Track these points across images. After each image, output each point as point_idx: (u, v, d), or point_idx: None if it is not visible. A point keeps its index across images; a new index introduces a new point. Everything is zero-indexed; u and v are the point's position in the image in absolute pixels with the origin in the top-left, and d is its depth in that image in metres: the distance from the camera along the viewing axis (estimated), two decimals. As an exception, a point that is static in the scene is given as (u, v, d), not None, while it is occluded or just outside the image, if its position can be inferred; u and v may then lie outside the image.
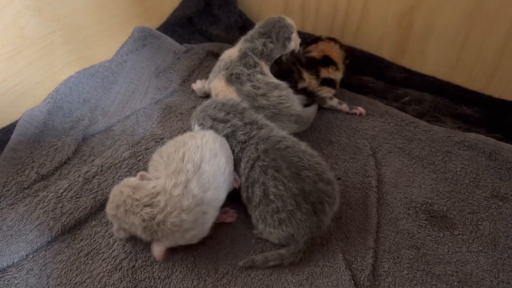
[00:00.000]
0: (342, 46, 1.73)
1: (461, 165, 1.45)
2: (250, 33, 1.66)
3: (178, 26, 2.09)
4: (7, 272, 1.14)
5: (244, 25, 2.13)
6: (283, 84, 1.48)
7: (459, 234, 1.25)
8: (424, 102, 1.73)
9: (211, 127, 1.28)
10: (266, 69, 1.56)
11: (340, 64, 1.68)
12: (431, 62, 1.74)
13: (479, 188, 1.38)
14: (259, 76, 1.47)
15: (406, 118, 1.64)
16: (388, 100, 1.77)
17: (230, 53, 1.58)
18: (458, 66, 1.69)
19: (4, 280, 1.12)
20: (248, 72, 1.48)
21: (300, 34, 1.97)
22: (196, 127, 1.32)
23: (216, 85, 1.51)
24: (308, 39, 1.81)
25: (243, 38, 1.65)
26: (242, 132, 1.24)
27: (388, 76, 1.84)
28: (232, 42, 2.04)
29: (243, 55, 1.54)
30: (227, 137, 1.26)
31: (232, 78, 1.47)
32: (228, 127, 1.26)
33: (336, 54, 1.68)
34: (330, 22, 1.91)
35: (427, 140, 1.54)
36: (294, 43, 1.65)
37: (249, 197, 1.18)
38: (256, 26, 1.67)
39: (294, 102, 1.47)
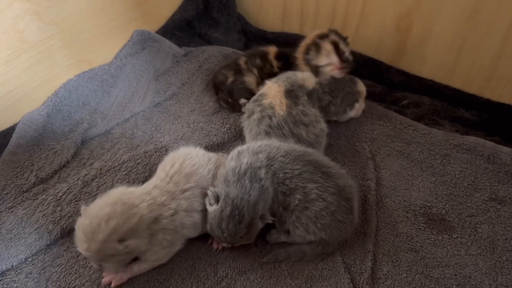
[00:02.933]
0: None
1: (459, 168, 1.45)
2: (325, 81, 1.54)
3: (177, 29, 2.09)
4: (6, 276, 1.13)
5: (243, 28, 2.14)
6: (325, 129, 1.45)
7: (457, 237, 1.26)
8: (422, 105, 1.73)
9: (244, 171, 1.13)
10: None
11: None
12: (429, 66, 1.75)
13: (477, 191, 1.38)
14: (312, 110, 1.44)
15: (404, 121, 1.64)
16: (386, 104, 1.77)
17: (304, 78, 1.50)
18: (456, 70, 1.69)
19: (3, 284, 1.12)
20: (306, 100, 1.44)
21: (299, 38, 1.99)
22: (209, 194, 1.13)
23: (272, 87, 1.46)
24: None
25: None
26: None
27: (387, 79, 1.84)
28: (231, 45, 2.05)
29: (312, 91, 1.48)
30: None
31: (292, 94, 1.43)
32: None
33: None
34: (328, 25, 1.91)
35: (426, 143, 1.55)
36: (355, 112, 1.59)
37: (285, 206, 1.15)
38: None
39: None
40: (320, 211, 1.12)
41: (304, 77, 1.50)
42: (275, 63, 1.67)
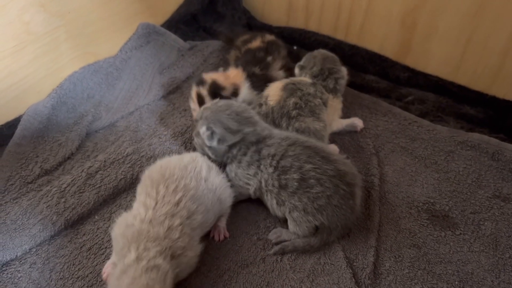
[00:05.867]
0: None
1: (463, 165, 1.45)
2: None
3: (182, 23, 2.09)
4: (10, 266, 1.15)
5: (248, 22, 2.13)
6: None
7: (460, 233, 1.25)
8: (427, 101, 1.73)
9: (219, 134, 1.23)
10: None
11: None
12: (434, 62, 1.74)
13: (481, 188, 1.38)
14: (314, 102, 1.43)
15: (409, 117, 1.63)
16: (391, 100, 1.77)
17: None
18: (461, 66, 1.68)
19: (7, 274, 1.13)
20: (310, 93, 1.43)
21: (304, 33, 1.99)
22: (203, 129, 1.24)
23: (275, 84, 1.47)
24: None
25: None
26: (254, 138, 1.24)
27: (392, 75, 1.84)
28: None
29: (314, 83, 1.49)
30: (234, 144, 1.24)
31: (288, 87, 1.43)
32: (238, 137, 1.23)
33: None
34: (334, 20, 1.91)
35: (430, 140, 1.54)
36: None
37: (282, 185, 1.17)
38: None
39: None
40: (317, 192, 1.13)
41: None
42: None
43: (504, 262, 1.18)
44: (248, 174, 1.24)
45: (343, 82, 1.57)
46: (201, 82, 1.50)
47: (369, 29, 1.83)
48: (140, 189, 1.14)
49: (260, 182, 1.22)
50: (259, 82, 1.57)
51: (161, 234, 1.00)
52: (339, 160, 1.17)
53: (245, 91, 1.55)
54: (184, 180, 1.11)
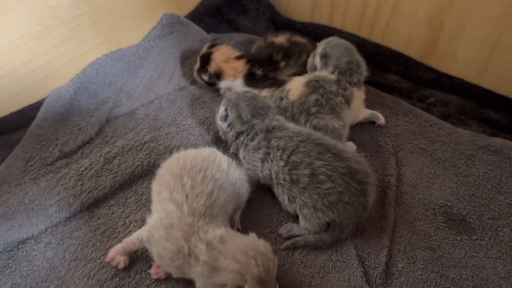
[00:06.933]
0: None
1: (484, 170, 1.42)
2: None
3: (206, 15, 2.10)
4: (26, 244, 1.17)
5: (272, 17, 2.13)
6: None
7: (477, 239, 1.23)
8: (450, 104, 1.69)
9: (231, 119, 1.31)
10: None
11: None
12: (459, 64, 1.70)
13: (501, 194, 1.35)
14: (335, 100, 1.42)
15: (430, 119, 1.61)
16: (413, 100, 1.74)
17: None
18: (487, 70, 1.64)
19: (22, 251, 1.15)
20: (332, 91, 1.42)
21: (328, 29, 1.97)
22: (222, 109, 1.34)
23: (297, 79, 1.47)
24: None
25: None
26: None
27: (415, 76, 1.81)
28: (259, 33, 2.05)
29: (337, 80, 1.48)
30: (242, 133, 1.29)
31: (312, 84, 1.42)
32: (245, 127, 1.29)
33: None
34: (359, 18, 1.88)
35: (451, 143, 1.51)
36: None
37: (293, 180, 1.17)
38: None
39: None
40: (328, 188, 1.13)
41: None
42: None
43: (522, 271, 1.15)
44: (254, 158, 1.26)
45: (364, 75, 1.53)
46: (212, 46, 1.67)
47: (394, 28, 1.80)
48: (160, 186, 1.10)
49: (270, 172, 1.22)
50: (257, 82, 1.62)
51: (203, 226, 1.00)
52: (351, 158, 1.16)
53: (238, 83, 1.65)
54: (210, 170, 1.10)
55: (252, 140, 1.27)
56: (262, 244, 0.96)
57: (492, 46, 1.59)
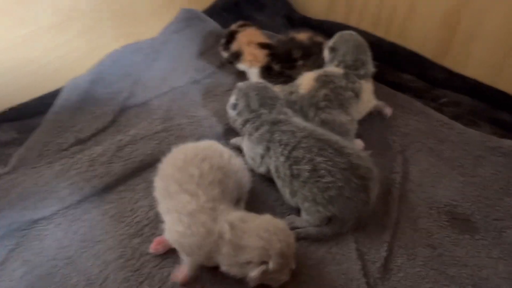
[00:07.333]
0: None
1: (491, 171, 1.41)
2: None
3: (224, 10, 2.13)
4: (38, 224, 1.23)
5: (288, 13, 2.14)
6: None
7: (480, 238, 1.23)
8: (462, 104, 1.68)
9: (240, 107, 1.34)
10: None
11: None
12: (474, 65, 1.69)
13: (508, 196, 1.34)
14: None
15: (441, 119, 1.60)
16: (425, 100, 1.73)
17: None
18: (503, 71, 1.63)
19: (35, 230, 1.21)
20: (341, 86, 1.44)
21: (344, 27, 1.98)
22: (233, 97, 1.37)
23: (308, 74, 1.49)
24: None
25: None
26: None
27: (429, 76, 1.80)
28: (274, 29, 2.07)
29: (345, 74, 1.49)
30: (248, 120, 1.32)
31: (322, 79, 1.44)
32: (252, 115, 1.32)
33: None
34: (375, 16, 1.88)
35: (460, 143, 1.51)
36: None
37: (294, 174, 1.20)
38: None
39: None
40: (327, 182, 1.14)
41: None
42: None
43: (523, 272, 1.15)
44: (255, 151, 1.29)
45: (372, 69, 1.54)
46: (243, 25, 1.73)
47: (410, 27, 1.80)
48: (165, 181, 1.12)
49: (269, 168, 1.26)
50: (272, 76, 1.63)
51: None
52: (353, 153, 1.17)
53: (253, 72, 1.67)
54: (214, 159, 1.13)
55: (257, 130, 1.29)
56: (280, 222, 1.05)
57: (509, 47, 1.57)
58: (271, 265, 0.97)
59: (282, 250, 0.98)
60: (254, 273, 0.97)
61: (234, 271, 1.02)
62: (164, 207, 1.11)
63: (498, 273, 1.14)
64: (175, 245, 1.08)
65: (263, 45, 1.67)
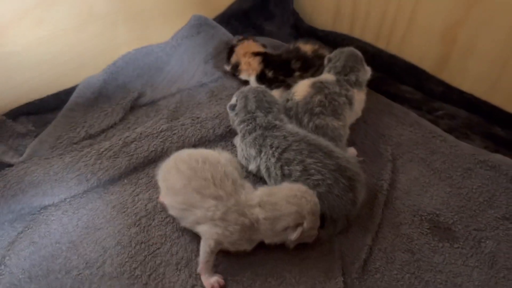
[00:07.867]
0: None
1: (478, 183, 1.46)
2: None
3: (234, 19, 2.22)
4: (46, 210, 1.34)
5: (296, 24, 2.22)
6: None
7: (458, 247, 1.28)
8: (457, 118, 1.73)
9: (238, 108, 1.43)
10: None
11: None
12: (470, 79, 1.73)
13: (492, 208, 1.38)
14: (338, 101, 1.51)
15: (434, 130, 1.65)
16: (422, 111, 1.79)
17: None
18: (498, 86, 1.66)
19: (43, 215, 1.32)
20: (335, 92, 1.51)
21: (347, 38, 2.05)
22: (234, 98, 1.47)
23: (303, 82, 1.55)
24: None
25: None
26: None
27: (427, 88, 1.85)
28: (282, 38, 2.15)
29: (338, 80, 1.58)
30: (244, 121, 1.41)
31: (317, 85, 1.51)
32: (248, 117, 1.40)
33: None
34: (377, 29, 1.95)
35: (450, 155, 1.56)
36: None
37: (285, 174, 1.28)
38: None
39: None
40: (317, 180, 1.22)
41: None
42: None
43: (497, 281, 1.19)
44: (248, 152, 1.37)
45: (364, 78, 1.61)
46: (242, 39, 1.87)
47: (410, 40, 1.85)
48: (182, 196, 1.17)
49: (259, 168, 1.35)
50: (267, 82, 1.72)
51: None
52: (341, 157, 1.25)
53: (252, 80, 1.78)
54: (209, 156, 1.22)
55: (250, 133, 1.38)
56: (300, 185, 1.17)
57: (503, 63, 1.61)
58: (305, 224, 1.11)
59: (312, 209, 1.12)
60: (294, 235, 1.11)
61: (275, 240, 1.15)
62: (191, 219, 1.16)
63: (472, 281, 1.19)
64: (219, 247, 1.13)
65: (256, 53, 1.77)
